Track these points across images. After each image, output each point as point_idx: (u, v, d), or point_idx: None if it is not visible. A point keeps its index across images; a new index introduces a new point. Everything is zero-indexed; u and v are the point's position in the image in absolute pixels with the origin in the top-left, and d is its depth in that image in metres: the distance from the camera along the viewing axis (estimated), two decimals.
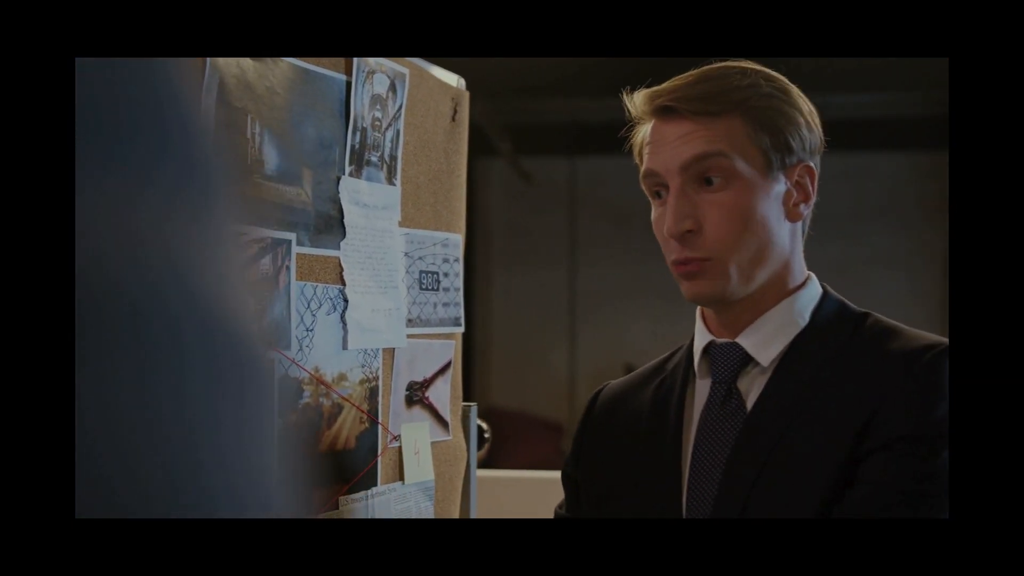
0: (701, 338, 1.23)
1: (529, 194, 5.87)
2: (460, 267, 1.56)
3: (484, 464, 3.50)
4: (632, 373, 1.36)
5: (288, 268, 1.20)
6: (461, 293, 1.56)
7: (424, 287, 1.47)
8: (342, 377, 1.31)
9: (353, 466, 1.33)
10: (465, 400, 1.63)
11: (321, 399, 1.27)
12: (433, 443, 1.51)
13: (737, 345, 1.18)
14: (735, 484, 1.11)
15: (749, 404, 1.16)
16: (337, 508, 1.29)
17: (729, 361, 1.19)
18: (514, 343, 5.94)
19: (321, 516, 1.25)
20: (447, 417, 1.55)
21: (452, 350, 1.55)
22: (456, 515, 1.59)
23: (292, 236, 1.21)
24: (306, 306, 1.24)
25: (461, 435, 1.61)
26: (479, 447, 1.69)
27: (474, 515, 1.66)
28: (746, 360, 1.18)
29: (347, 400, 1.31)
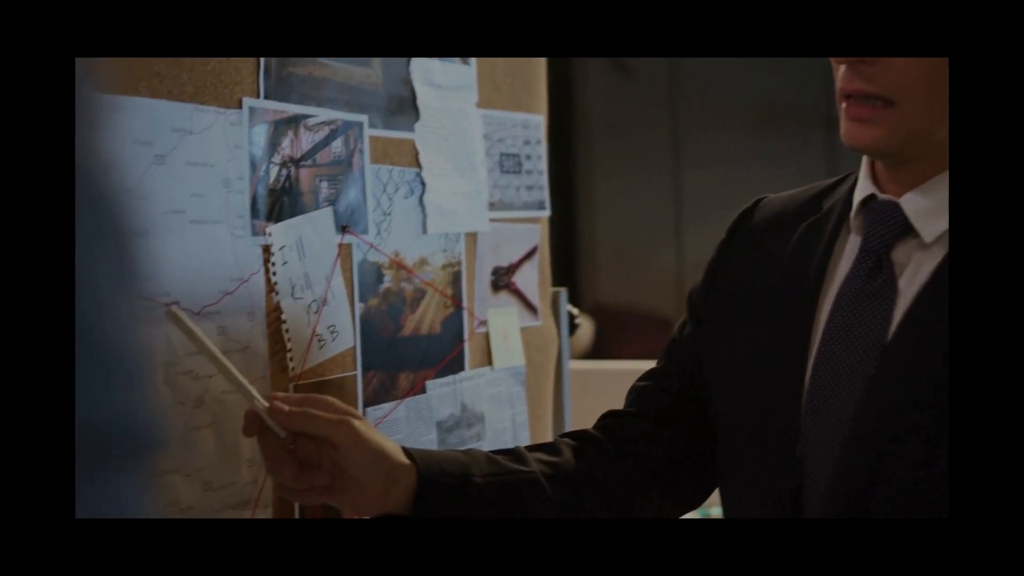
0: (862, 188, 0.99)
1: (629, 90, 5.74)
2: (543, 149, 1.53)
3: (590, 356, 3.49)
4: (795, 191, 1.11)
5: (361, 151, 1.19)
6: (545, 176, 1.53)
7: (505, 170, 1.44)
8: (423, 262, 1.29)
9: (439, 351, 1.32)
10: (569, 294, 1.61)
11: (403, 284, 1.26)
12: (522, 329, 1.49)
13: (898, 207, 0.95)
14: (884, 384, 0.90)
15: (902, 283, 0.94)
16: (424, 392, 1.29)
17: (884, 226, 0.95)
18: (620, 241, 5.88)
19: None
20: (535, 303, 1.53)
21: (538, 234, 1.52)
22: (550, 401, 1.59)
23: (364, 118, 1.18)
24: (382, 190, 1.22)
25: (551, 321, 1.59)
26: (570, 333, 1.67)
27: (568, 402, 1.65)
28: (906, 228, 0.94)
29: (429, 285, 1.30)
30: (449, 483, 0.96)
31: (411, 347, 1.27)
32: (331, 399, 0.96)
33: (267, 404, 0.92)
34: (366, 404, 1.20)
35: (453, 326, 1.35)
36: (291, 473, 0.92)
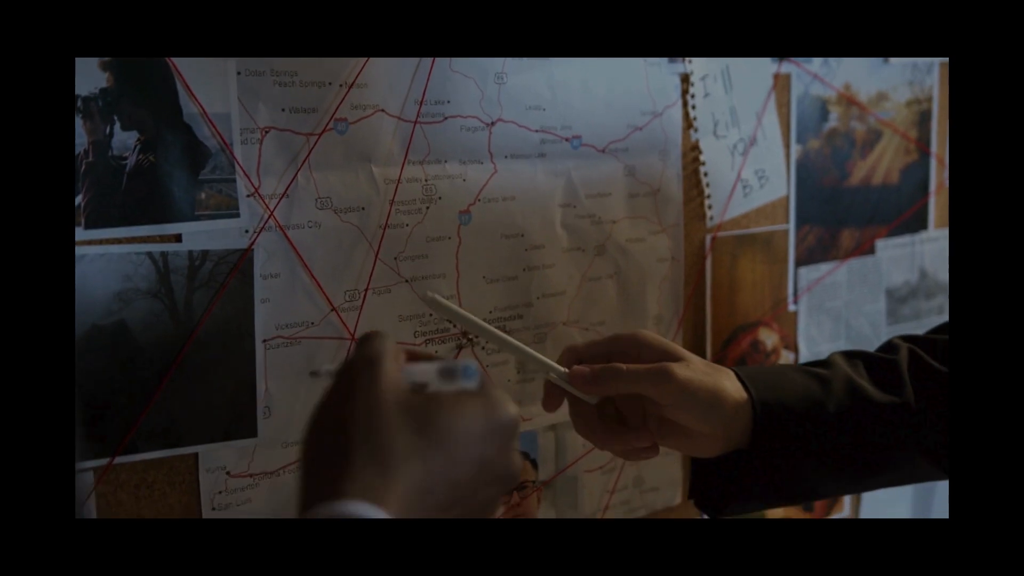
0: None
1: None
2: None
3: None
4: None
5: None
6: None
7: None
8: (882, 97, 1.08)
9: (895, 205, 1.11)
10: None
11: (853, 123, 1.06)
12: None
13: None
14: None
15: None
16: (873, 253, 1.10)
17: None
18: None
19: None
20: None
21: None
22: None
23: None
24: None
25: None
26: None
27: None
28: None
29: (888, 124, 1.08)
30: (791, 419, 0.75)
31: (859, 199, 1.08)
32: (641, 334, 0.75)
33: (566, 371, 0.74)
34: (798, 263, 1.04)
35: (916, 176, 1.12)
36: (610, 442, 0.75)
